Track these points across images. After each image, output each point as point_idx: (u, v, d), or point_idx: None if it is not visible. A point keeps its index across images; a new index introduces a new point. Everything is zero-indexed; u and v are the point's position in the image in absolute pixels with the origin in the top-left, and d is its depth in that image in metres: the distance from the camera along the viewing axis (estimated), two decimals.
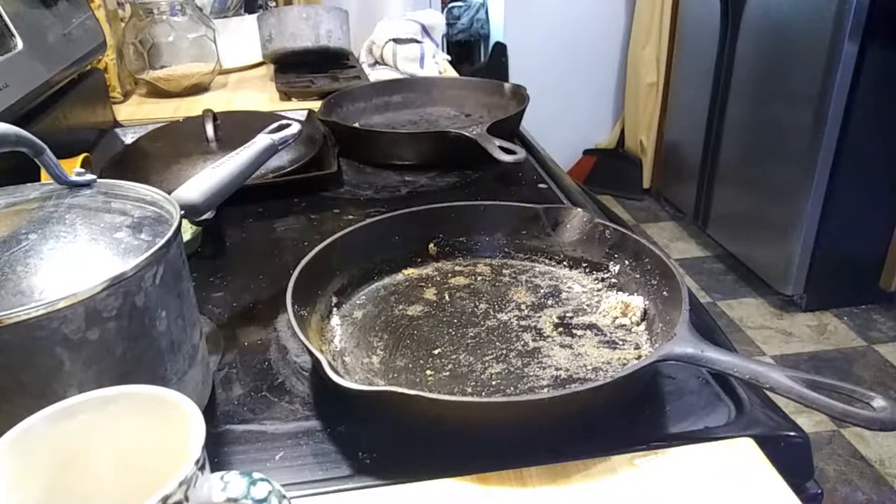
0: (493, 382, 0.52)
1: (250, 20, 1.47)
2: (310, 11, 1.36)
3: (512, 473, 0.44)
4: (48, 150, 0.47)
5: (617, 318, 0.58)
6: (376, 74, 1.42)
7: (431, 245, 0.68)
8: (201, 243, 0.74)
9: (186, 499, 0.30)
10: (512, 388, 0.51)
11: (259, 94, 1.34)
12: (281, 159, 0.86)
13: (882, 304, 2.15)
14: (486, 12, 2.79)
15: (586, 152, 3.05)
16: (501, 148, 0.87)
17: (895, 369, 1.91)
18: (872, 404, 0.41)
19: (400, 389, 0.43)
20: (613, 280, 0.63)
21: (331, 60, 1.41)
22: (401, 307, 0.61)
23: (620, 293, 0.61)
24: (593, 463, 0.44)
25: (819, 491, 0.46)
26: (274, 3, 1.69)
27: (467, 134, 0.91)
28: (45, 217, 0.44)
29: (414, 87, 1.19)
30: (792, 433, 0.47)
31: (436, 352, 0.55)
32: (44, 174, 0.48)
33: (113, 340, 0.40)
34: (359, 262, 0.64)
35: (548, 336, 0.57)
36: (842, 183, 1.95)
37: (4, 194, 0.47)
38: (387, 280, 0.65)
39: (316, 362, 0.48)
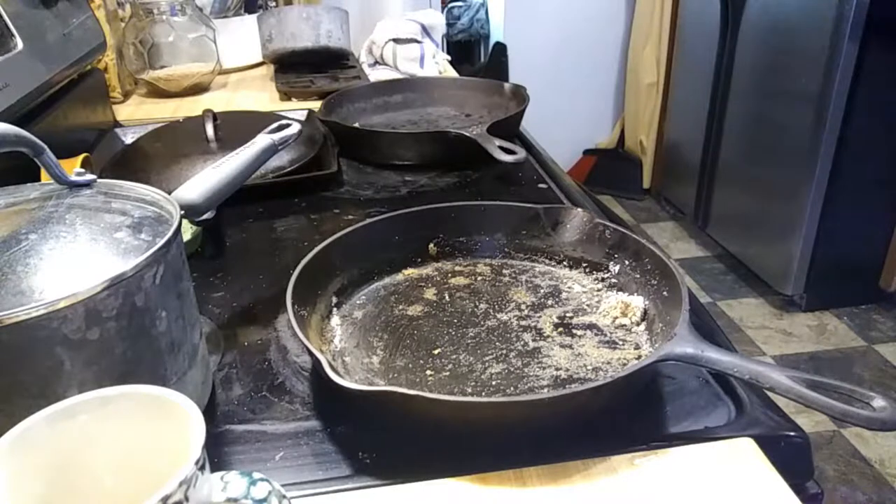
0: (493, 382, 0.52)
1: (250, 20, 1.47)
2: (310, 11, 1.37)
3: (512, 473, 0.44)
4: (48, 150, 0.47)
5: (617, 318, 0.58)
6: (376, 74, 1.42)
7: (431, 245, 0.68)
8: (201, 243, 0.74)
9: (186, 499, 0.30)
10: (512, 388, 0.51)
11: (259, 94, 1.34)
12: (281, 159, 0.86)
13: (882, 304, 2.15)
14: (486, 12, 2.79)
15: (586, 152, 3.05)
16: (501, 148, 0.87)
17: (895, 369, 1.91)
18: (872, 404, 0.41)
19: (400, 389, 0.43)
20: (613, 280, 0.63)
21: (331, 60, 1.41)
22: (401, 307, 0.61)
23: (620, 293, 0.61)
24: (593, 463, 0.44)
25: (819, 491, 0.46)
26: (274, 3, 1.68)
27: (467, 134, 0.91)
28: (45, 217, 0.44)
29: (414, 87, 1.19)
30: (792, 433, 0.47)
31: (436, 352, 0.55)
32: (44, 174, 0.48)
33: (113, 340, 0.40)
34: (359, 262, 0.64)
35: (548, 336, 0.57)
36: (842, 183, 1.95)
37: (4, 194, 0.47)
38: (387, 280, 0.65)
39: (316, 362, 0.48)
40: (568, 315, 0.59)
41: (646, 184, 2.95)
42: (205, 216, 0.55)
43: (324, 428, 0.49)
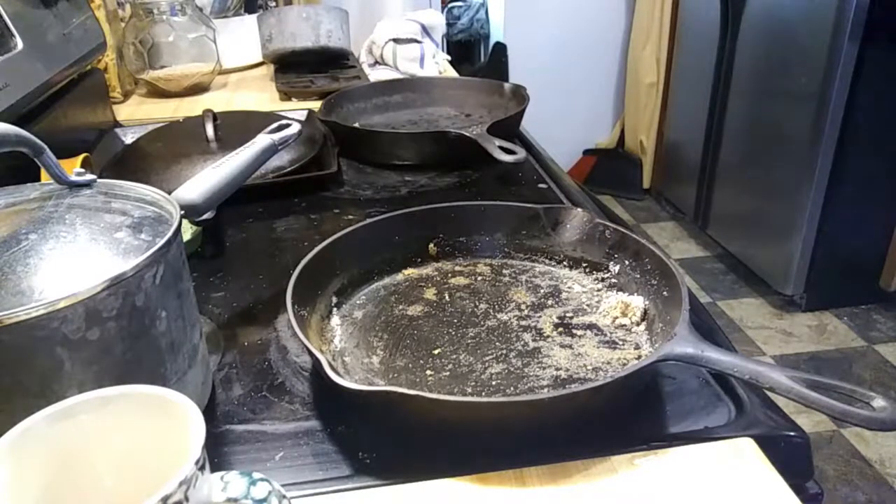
0: (493, 382, 0.52)
1: (250, 20, 1.47)
2: (310, 11, 1.37)
3: (512, 473, 0.44)
4: (48, 150, 0.47)
5: (617, 318, 0.58)
6: (376, 74, 1.42)
7: (431, 245, 0.68)
8: (201, 243, 0.74)
9: (186, 499, 0.30)
10: (512, 388, 0.51)
11: (259, 94, 1.34)
12: (281, 159, 0.86)
13: (882, 304, 2.15)
14: (486, 12, 2.79)
15: (586, 152, 3.05)
16: (501, 148, 0.87)
17: (895, 369, 1.91)
18: (872, 404, 0.41)
19: (400, 389, 0.43)
20: (613, 280, 0.63)
21: (331, 60, 1.41)
22: (401, 307, 0.61)
23: (620, 293, 0.61)
24: (593, 463, 0.44)
25: (819, 491, 0.46)
26: (274, 3, 1.69)
27: (467, 134, 0.91)
28: (45, 217, 0.44)
29: (414, 87, 1.19)
30: (792, 433, 0.47)
31: (436, 352, 0.55)
32: (44, 174, 0.48)
33: (113, 340, 0.40)
34: (359, 262, 0.64)
35: (548, 336, 0.57)
36: (842, 183, 1.95)
37: (4, 194, 0.47)
38: (387, 280, 0.65)
39: (316, 362, 0.48)
40: (568, 315, 0.59)
41: (646, 184, 2.95)
42: (205, 216, 0.55)
43: (324, 428, 0.49)
